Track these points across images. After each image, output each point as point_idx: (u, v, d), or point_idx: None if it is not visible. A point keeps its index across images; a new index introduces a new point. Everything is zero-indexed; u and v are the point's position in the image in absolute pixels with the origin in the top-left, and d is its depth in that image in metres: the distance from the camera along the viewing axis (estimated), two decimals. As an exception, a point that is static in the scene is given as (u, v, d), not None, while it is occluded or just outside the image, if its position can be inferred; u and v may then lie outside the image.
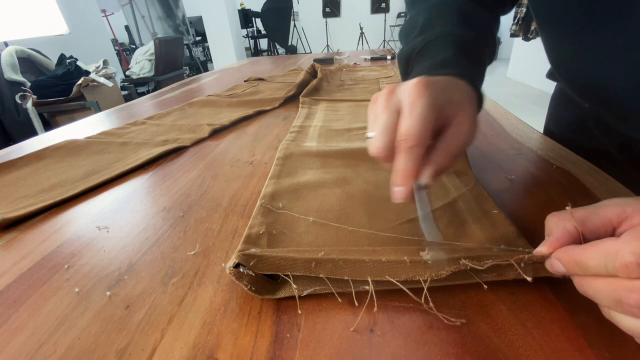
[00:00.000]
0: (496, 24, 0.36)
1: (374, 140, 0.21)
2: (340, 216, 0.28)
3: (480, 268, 0.19)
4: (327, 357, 0.17)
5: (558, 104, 0.50)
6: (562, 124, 0.48)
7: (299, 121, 0.54)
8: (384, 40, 6.33)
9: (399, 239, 0.25)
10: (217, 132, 0.54)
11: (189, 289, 0.22)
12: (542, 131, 0.48)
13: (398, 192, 0.20)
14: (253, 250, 0.21)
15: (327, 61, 1.21)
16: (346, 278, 0.20)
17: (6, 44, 2.47)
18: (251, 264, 0.20)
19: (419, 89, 0.21)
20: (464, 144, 0.22)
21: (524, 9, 3.14)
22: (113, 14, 4.84)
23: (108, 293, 0.22)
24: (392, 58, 1.22)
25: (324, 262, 0.20)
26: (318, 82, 0.76)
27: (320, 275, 0.20)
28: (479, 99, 0.28)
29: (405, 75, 0.35)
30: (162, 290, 0.22)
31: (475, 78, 0.28)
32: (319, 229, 0.26)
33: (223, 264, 0.20)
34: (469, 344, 0.17)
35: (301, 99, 0.67)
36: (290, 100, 0.72)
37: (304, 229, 0.26)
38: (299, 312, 0.19)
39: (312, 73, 0.80)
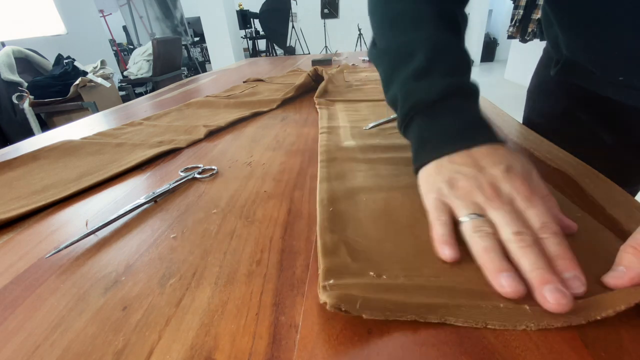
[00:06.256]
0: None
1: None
2: (413, 223, 0.26)
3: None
4: (324, 358, 0.17)
5: (539, 94, 0.52)
6: (545, 114, 0.51)
7: (324, 122, 0.52)
8: (382, 42, 6.33)
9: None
10: (214, 133, 0.54)
11: (187, 290, 0.22)
12: (528, 126, 0.48)
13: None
14: (355, 293, 0.19)
15: (325, 62, 1.21)
16: (459, 324, 0.18)
17: (3, 44, 2.46)
18: (357, 307, 0.18)
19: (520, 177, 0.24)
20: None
21: (521, 11, 3.16)
22: (111, 14, 4.83)
23: (105, 294, 0.22)
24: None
25: (435, 307, 0.18)
26: (326, 83, 0.76)
27: (432, 320, 0.18)
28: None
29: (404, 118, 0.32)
30: (160, 291, 0.22)
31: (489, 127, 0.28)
32: (396, 237, 0.24)
33: (322, 301, 0.19)
34: (466, 345, 0.17)
35: (316, 100, 0.66)
36: (289, 101, 0.72)
37: (379, 236, 0.25)
38: (300, 314, 0.19)
39: (313, 76, 0.80)
